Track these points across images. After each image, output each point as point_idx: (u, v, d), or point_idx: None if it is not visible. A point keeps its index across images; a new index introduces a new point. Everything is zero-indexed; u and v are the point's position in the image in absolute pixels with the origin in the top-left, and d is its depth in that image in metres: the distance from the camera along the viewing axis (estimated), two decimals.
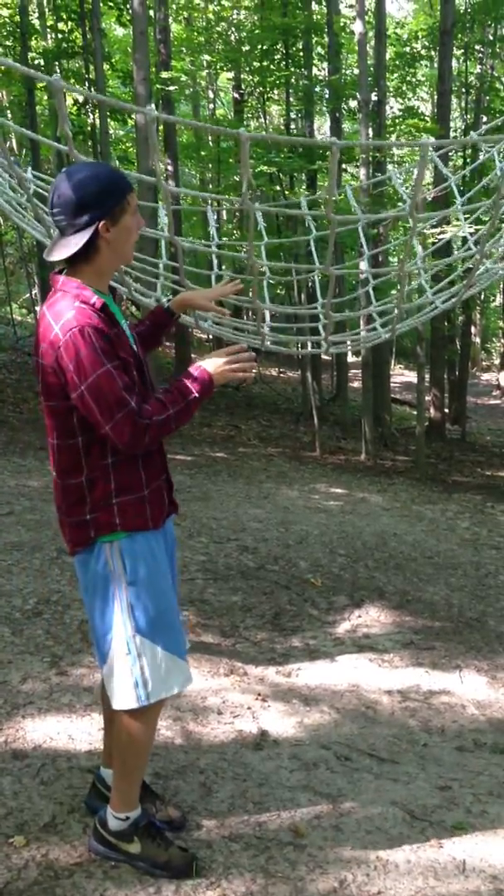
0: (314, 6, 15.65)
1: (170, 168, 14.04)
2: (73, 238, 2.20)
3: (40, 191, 5.01)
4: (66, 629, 4.21)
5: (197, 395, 2.28)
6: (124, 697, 2.32)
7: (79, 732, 3.20)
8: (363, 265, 8.01)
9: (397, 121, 15.74)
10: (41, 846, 2.52)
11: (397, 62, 17.54)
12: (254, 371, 2.42)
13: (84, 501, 2.29)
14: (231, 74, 17.10)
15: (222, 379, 2.35)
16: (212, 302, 2.81)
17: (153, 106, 3.61)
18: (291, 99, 16.35)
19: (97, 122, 13.84)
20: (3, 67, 14.14)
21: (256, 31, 14.61)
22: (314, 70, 16.31)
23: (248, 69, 15.99)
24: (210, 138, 18.86)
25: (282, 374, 22.04)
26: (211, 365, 2.34)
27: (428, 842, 2.75)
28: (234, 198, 3.81)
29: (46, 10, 16.81)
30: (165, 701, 2.42)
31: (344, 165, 15.88)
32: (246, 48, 15.21)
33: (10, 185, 4.66)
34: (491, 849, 2.74)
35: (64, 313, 2.16)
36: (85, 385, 2.14)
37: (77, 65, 15.58)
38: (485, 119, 16.67)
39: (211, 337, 21.02)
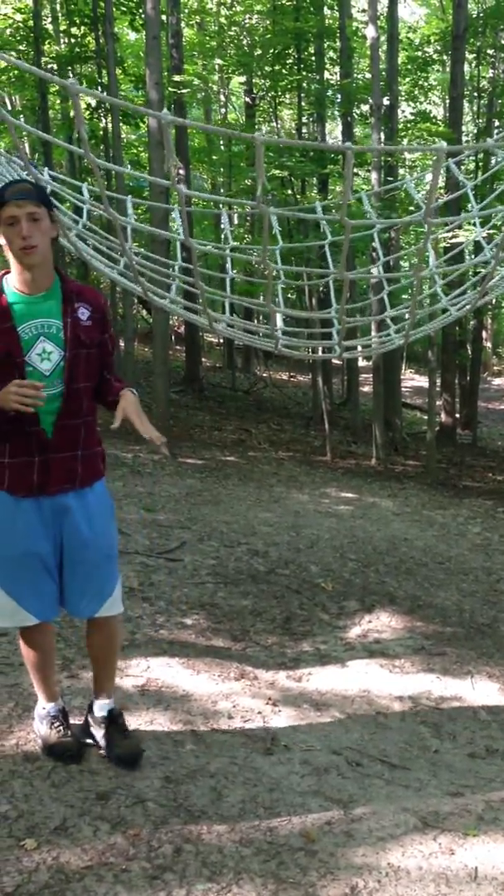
0: (326, 11, 15.66)
1: (181, 172, 14.08)
2: None
3: (57, 191, 5.03)
4: (76, 632, 4.21)
5: None
6: None
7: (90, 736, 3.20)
8: (376, 271, 8.00)
9: (409, 125, 15.74)
10: (52, 849, 2.52)
11: (409, 66, 17.53)
12: (36, 404, 2.57)
13: None
14: (243, 78, 17.12)
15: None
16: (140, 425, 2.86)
17: (167, 111, 3.62)
18: (303, 103, 16.37)
19: (110, 126, 13.88)
20: (16, 71, 14.22)
21: (269, 36, 14.65)
22: (326, 74, 16.33)
23: (259, 73, 16.03)
24: (222, 143, 18.89)
25: (292, 378, 22.04)
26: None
27: (440, 848, 2.73)
28: (248, 201, 3.82)
29: (60, 14, 16.88)
30: (30, 638, 2.96)
31: (355, 169, 15.88)
32: (258, 52, 15.23)
33: None
34: (503, 856, 2.72)
35: None
36: None
37: (90, 69, 15.63)
38: (497, 123, 16.64)
39: (221, 340, 21.05)
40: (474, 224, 5.68)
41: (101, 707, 3.08)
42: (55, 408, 2.71)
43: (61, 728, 3.04)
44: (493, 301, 22.52)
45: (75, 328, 2.74)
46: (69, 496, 2.81)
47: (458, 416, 16.53)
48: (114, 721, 3.06)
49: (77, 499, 2.83)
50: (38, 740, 3.08)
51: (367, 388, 17.52)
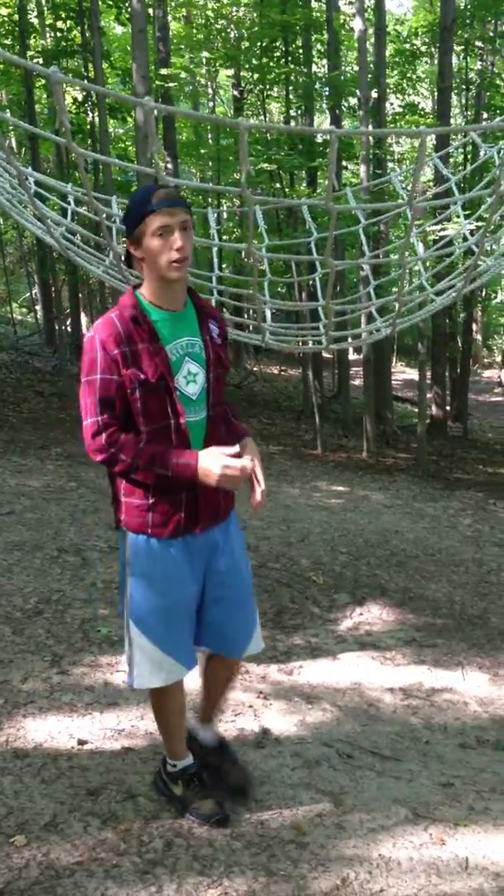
0: (314, 3, 15.63)
1: (170, 166, 14.03)
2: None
3: (40, 191, 5.01)
4: (66, 628, 4.21)
5: (170, 473, 2.36)
6: (126, 674, 2.63)
7: (80, 731, 3.19)
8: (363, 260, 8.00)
9: (397, 117, 15.72)
10: (42, 845, 2.51)
11: (397, 59, 17.52)
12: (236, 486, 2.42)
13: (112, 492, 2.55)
14: (230, 72, 17.06)
15: (204, 479, 2.36)
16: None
17: (150, 97, 3.61)
18: (291, 96, 16.33)
19: (96, 120, 13.82)
20: (1, 66, 14.14)
21: (256, 29, 14.58)
22: (314, 67, 16.29)
23: (247, 66, 15.96)
24: (210, 136, 18.84)
25: (283, 372, 22.03)
26: (207, 461, 2.34)
27: (430, 839, 2.74)
28: (234, 188, 3.83)
29: (45, 8, 16.79)
30: (170, 691, 2.61)
31: (345, 163, 15.87)
32: (245, 45, 15.18)
33: (11, 183, 4.66)
34: (494, 846, 2.73)
35: (99, 320, 2.40)
36: (80, 384, 2.40)
37: (76, 63, 15.58)
38: (485, 115, 16.65)
39: None
40: (461, 217, 5.69)
41: (213, 738, 2.92)
42: (201, 435, 2.46)
43: (198, 787, 2.76)
44: (483, 293, 22.57)
45: (214, 346, 2.50)
46: (215, 531, 2.57)
47: (448, 408, 16.56)
48: (226, 749, 2.92)
49: (222, 533, 2.61)
50: (172, 802, 2.77)
51: (357, 382, 17.55)
